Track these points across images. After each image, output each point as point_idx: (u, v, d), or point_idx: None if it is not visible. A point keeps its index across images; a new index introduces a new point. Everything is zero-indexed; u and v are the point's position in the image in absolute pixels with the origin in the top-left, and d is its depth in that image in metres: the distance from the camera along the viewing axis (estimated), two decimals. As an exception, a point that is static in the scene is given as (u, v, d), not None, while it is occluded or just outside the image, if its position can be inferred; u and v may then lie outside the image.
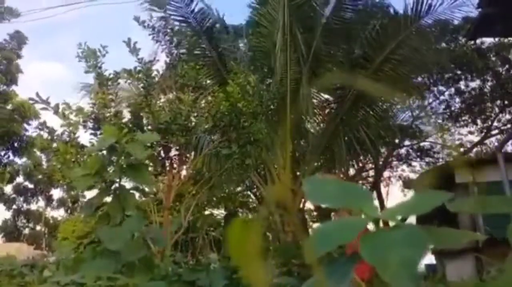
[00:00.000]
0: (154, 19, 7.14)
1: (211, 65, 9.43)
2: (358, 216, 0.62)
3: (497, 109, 16.62)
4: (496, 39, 13.46)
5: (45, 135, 6.55)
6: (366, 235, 0.56)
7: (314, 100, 9.90)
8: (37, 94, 6.02)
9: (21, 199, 27.31)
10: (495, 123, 16.88)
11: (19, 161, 24.11)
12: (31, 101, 6.18)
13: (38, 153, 23.06)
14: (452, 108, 16.93)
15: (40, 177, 25.07)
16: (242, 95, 6.50)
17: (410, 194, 15.98)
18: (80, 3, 17.45)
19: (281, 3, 8.63)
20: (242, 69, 6.90)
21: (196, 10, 9.34)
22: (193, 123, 6.59)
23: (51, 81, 42.46)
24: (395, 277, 0.49)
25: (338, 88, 9.58)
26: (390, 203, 14.98)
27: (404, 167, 18.67)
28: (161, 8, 6.96)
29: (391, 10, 9.74)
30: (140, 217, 3.27)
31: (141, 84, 6.45)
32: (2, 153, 22.23)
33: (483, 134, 17.25)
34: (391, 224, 0.59)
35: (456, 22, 10.21)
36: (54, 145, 6.31)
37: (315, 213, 17.15)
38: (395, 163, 18.50)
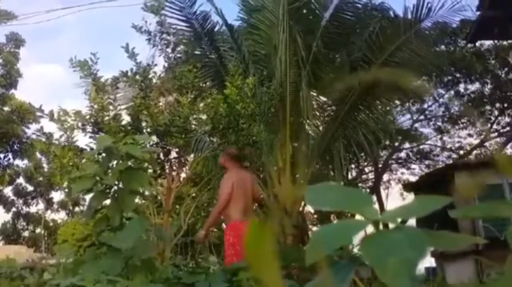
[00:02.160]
0: (149, 24, 7.11)
1: (211, 66, 9.41)
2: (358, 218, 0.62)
3: (496, 112, 16.64)
4: (496, 41, 13.48)
5: (43, 139, 6.53)
6: (366, 237, 0.56)
7: (314, 103, 9.89)
8: (30, 104, 6.04)
9: (21, 201, 27.27)
10: (495, 126, 16.90)
11: (21, 163, 24.10)
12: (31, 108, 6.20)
13: (38, 156, 23.04)
14: (452, 111, 16.97)
15: (40, 179, 25.02)
16: (240, 97, 6.48)
17: (410, 196, 15.97)
18: (80, 6, 17.49)
19: (279, 7, 8.63)
20: (241, 71, 6.87)
21: (199, 11, 9.28)
22: (192, 126, 6.58)
23: (52, 84, 42.51)
24: (393, 278, 0.49)
25: (337, 90, 9.56)
26: (389, 206, 14.94)
27: (404, 169, 18.70)
28: (158, 12, 6.92)
29: (391, 13, 9.68)
30: (143, 219, 3.27)
31: (139, 87, 6.45)
32: (2, 156, 22.20)
33: (482, 136, 17.27)
34: (391, 226, 0.59)
35: (455, 25, 10.19)
36: (55, 146, 6.29)
37: (315, 216, 17.15)
38: (394, 165, 18.52)
